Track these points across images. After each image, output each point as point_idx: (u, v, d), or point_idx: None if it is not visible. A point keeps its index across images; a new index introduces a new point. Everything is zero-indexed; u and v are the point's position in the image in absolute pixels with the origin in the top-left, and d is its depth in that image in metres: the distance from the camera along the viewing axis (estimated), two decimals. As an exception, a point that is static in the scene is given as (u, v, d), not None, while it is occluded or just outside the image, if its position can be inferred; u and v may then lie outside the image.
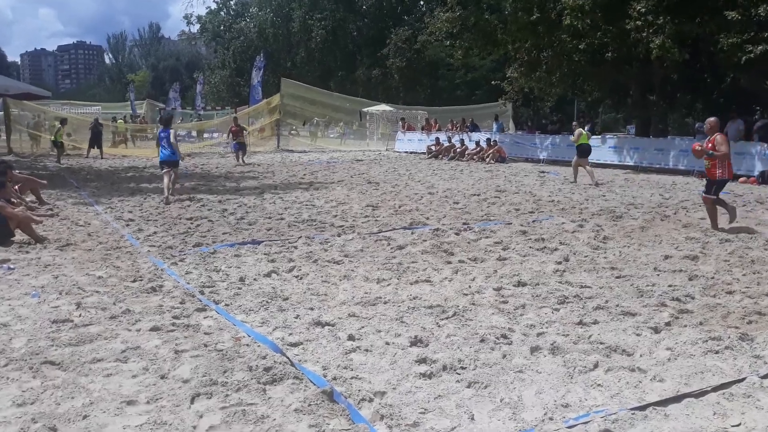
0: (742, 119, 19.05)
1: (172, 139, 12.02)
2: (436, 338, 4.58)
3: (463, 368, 4.05)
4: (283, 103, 32.33)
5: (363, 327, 4.83)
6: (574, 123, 20.94)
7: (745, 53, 17.02)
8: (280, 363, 4.08)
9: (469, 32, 24.73)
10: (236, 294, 5.70)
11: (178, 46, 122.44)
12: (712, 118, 9.07)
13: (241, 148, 22.42)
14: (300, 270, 6.56)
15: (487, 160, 23.46)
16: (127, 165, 21.87)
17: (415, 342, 4.49)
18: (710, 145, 8.79)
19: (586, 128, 17.93)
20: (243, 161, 21.78)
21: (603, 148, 22.13)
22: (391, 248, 7.63)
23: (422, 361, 4.15)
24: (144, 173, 18.76)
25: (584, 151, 16.74)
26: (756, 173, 16.85)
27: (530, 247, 7.70)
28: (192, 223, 9.53)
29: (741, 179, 16.78)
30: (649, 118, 23.85)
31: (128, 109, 55.06)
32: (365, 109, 39.03)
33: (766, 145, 17.19)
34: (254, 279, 6.24)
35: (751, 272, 6.51)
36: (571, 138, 17.85)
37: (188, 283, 6.01)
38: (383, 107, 40.43)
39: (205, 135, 36.95)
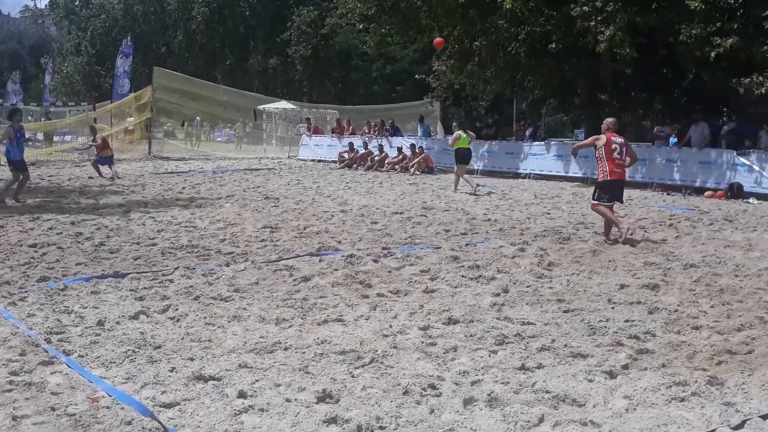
0: (707, 123, 20.18)
1: None
2: (349, 392, 4.57)
3: (382, 428, 4.05)
4: (156, 98, 31.84)
5: (257, 380, 4.77)
6: (454, 124, 21.94)
7: (713, 47, 17.96)
8: (150, 430, 3.96)
9: (387, 15, 25.21)
10: (93, 342, 5.52)
11: (20, 26, 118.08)
12: (609, 119, 10.78)
13: (107, 162, 20.98)
14: (177, 310, 6.45)
15: (412, 170, 23.85)
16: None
17: (324, 397, 4.47)
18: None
19: (465, 132, 18.97)
20: (114, 178, 20.19)
21: (547, 157, 22.97)
22: (294, 280, 7.62)
23: (332, 421, 4.13)
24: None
25: (463, 156, 18.20)
26: (724, 186, 17.82)
27: (463, 276, 7.85)
28: (36, 251, 9.21)
29: (707, 193, 17.73)
30: (600, 121, 24.89)
31: None
32: (261, 107, 38.92)
33: (734, 153, 18.20)
34: (117, 322, 6.07)
35: (720, 303, 6.86)
36: (449, 141, 19.50)
37: (30, 329, 5.79)
38: (284, 104, 40.49)
39: (55, 138, 35.62)
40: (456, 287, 7.39)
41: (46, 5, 70.09)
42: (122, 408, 4.27)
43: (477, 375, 4.89)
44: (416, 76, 31.17)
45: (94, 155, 22.09)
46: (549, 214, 13.62)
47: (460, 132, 18.69)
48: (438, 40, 21.12)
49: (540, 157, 23.09)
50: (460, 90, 29.74)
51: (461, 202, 15.38)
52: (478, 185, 17.71)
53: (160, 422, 4.08)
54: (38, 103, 45.14)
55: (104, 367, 4.98)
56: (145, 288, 7.24)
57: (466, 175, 18.13)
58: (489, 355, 5.30)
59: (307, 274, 7.84)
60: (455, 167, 18.66)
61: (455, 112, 45.91)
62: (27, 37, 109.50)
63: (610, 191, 10.34)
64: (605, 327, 6.01)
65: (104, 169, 20.92)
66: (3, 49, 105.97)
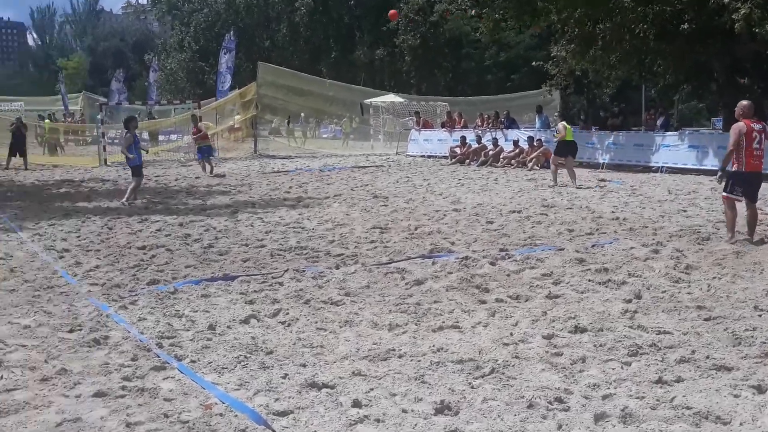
0: None
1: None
2: (469, 404, 4.55)
3: (506, 443, 4.02)
4: (261, 95, 32.62)
5: (372, 389, 4.81)
6: (555, 115, 21.74)
7: None
8: (264, 438, 4.04)
9: (501, -1, 24.95)
10: (205, 347, 5.71)
11: (122, 22, 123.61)
12: (743, 102, 10.11)
13: (206, 154, 22.65)
14: (287, 314, 6.58)
15: (530, 165, 23.55)
16: (59, 178, 22.16)
17: (442, 409, 4.47)
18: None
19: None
20: (211, 171, 22.07)
21: (681, 148, 22.18)
22: (407, 284, 7.65)
23: (452, 434, 4.13)
24: (81, 188, 18.98)
25: (569, 148, 18.41)
26: None
27: (590, 281, 7.68)
28: (145, 254, 9.58)
29: None
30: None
31: (59, 105, 55.70)
32: (368, 101, 39.29)
33: None
34: (228, 327, 6.25)
35: None
36: (555, 135, 19.56)
37: (142, 333, 6.03)
38: (391, 98, 40.69)
39: (161, 138, 37.28)
40: (582, 292, 7.25)
41: (148, 1, 72.78)
42: (235, 415, 4.40)
43: (608, 388, 4.78)
44: (533, 63, 30.73)
45: (196, 147, 23.51)
46: (685, 211, 13.17)
47: (564, 123, 19.00)
48: (392, 12, 22.17)
49: (673, 148, 22.32)
50: (581, 77, 29.20)
51: (586, 199, 15.07)
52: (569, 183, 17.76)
53: (273, 430, 4.18)
54: (143, 101, 47.05)
55: (216, 373, 5.15)
56: (255, 291, 7.42)
57: (560, 169, 18.30)
58: (621, 367, 5.17)
59: (419, 277, 7.86)
60: (553, 158, 18.95)
61: (576, 101, 45.04)
62: (129, 33, 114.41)
63: (744, 184, 9.90)
64: (752, 337, 5.76)
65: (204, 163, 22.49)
66: (106, 47, 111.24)
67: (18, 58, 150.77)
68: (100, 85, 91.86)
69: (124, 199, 15.25)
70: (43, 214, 13.61)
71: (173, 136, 36.45)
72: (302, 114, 41.54)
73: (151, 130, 35.36)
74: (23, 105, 48.27)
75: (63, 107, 54.47)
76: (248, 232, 11.28)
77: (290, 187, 18.21)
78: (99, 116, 29.23)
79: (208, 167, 22.32)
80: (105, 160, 27.30)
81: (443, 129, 31.12)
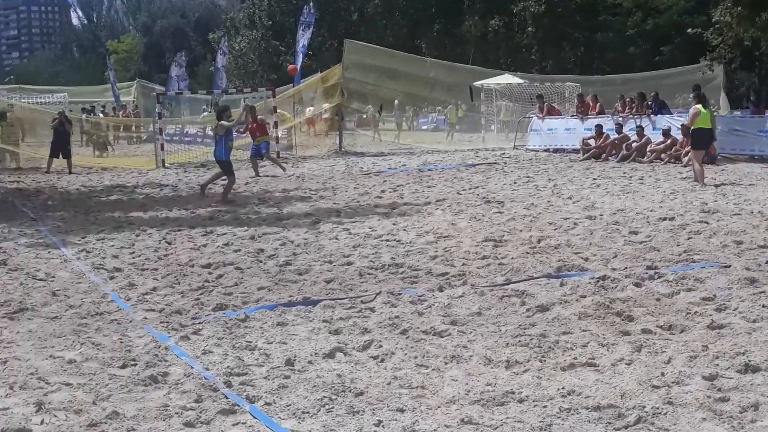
0: None
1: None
2: (608, 461, 4.46)
3: None
4: (347, 79, 32.68)
5: (486, 441, 4.75)
6: (691, 96, 20.70)
7: None
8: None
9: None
10: (282, 386, 5.74)
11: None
12: None
13: (261, 152, 23.46)
14: (380, 347, 6.59)
15: (685, 160, 23.00)
16: (109, 183, 22.68)
17: (574, 467, 4.39)
18: None
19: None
20: (256, 173, 22.79)
21: None
22: (528, 310, 7.57)
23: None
24: (135, 195, 19.41)
25: (701, 138, 18.00)
26: None
27: (763, 306, 7.42)
28: (210, 273, 9.72)
29: None
30: None
31: (109, 96, 57.32)
32: (478, 84, 39.04)
33: None
34: (309, 362, 6.28)
35: None
36: (684, 121, 19.38)
37: (207, 369, 6.10)
38: (507, 79, 40.31)
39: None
40: (754, 321, 7.00)
41: (213, -30, 74.63)
42: (319, 471, 4.42)
43: (789, 444, 4.61)
44: (689, 30, 30.03)
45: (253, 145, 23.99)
46: None
47: (698, 107, 18.13)
48: (291, 67, 24.48)
49: None
50: (751, 48, 28.34)
51: (758, 203, 14.59)
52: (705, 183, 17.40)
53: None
54: (207, 89, 48.01)
55: (296, 419, 5.16)
56: (341, 318, 7.44)
57: (697, 165, 17.96)
58: (806, 417, 4.97)
59: (544, 302, 7.77)
60: (698, 156, 18.34)
61: (745, 78, 43.79)
62: (191, 9, 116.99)
63: None
64: None
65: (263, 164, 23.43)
66: (165, 25, 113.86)
67: (61, 40, 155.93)
68: (157, 71, 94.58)
69: (219, 201, 16.61)
70: (90, 227, 13.89)
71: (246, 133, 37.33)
72: (396, 101, 41.28)
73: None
74: (66, 96, 48.86)
75: (113, 98, 56.02)
76: (332, 247, 11.29)
77: (383, 192, 18.29)
78: (157, 109, 29.38)
79: (272, 164, 23.68)
80: (163, 162, 27.74)
81: (573, 116, 30.72)
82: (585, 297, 7.94)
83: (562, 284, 8.47)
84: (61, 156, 26.47)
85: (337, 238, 12.06)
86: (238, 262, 10.28)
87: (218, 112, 17.94)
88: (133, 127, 43.33)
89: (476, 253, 10.47)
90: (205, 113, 38.57)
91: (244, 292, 8.64)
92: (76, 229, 13.62)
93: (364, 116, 41.07)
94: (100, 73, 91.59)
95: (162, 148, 28.46)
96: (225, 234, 12.66)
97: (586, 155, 26.23)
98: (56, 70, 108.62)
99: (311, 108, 34.64)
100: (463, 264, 9.78)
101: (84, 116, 41.93)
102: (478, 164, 25.22)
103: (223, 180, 17.76)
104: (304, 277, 9.34)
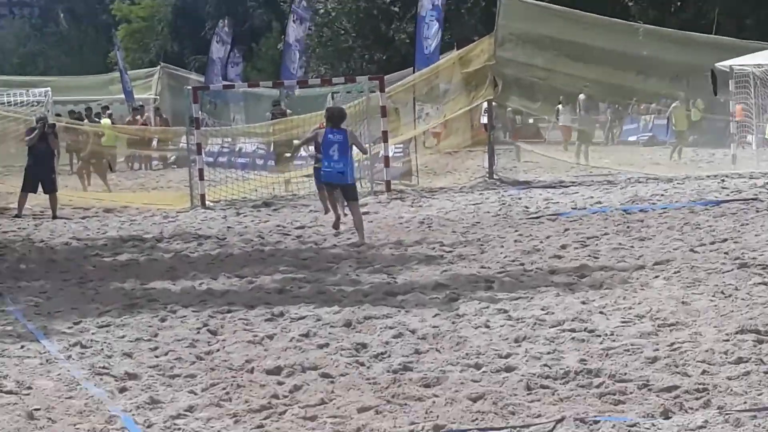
0: None
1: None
2: None
3: None
4: (502, 60, 22.85)
5: None
6: None
7: None
8: None
9: None
10: None
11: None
12: None
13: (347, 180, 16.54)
14: None
15: None
16: (116, 234, 17.32)
17: None
18: None
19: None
20: (335, 226, 16.43)
21: None
22: None
23: None
24: (158, 254, 15.31)
25: None
26: None
27: None
28: (281, 384, 7.52)
29: None
30: None
31: (116, 91, 44.96)
32: (724, 65, 25.68)
33: None
34: None
35: None
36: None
37: None
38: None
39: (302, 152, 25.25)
40: None
41: None
42: None
43: None
44: None
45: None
46: None
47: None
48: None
49: None
50: None
51: None
52: None
53: None
54: (273, 79, 36.57)
55: None
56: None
57: None
58: None
59: None
60: None
61: None
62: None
63: None
64: None
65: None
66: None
67: (40, 2, 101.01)
68: (192, 50, 65.34)
69: (359, 240, 14.66)
70: (87, 306, 11.00)
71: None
72: (582, 96, 29.26)
73: (283, 138, 25.02)
74: (50, 93, 32.61)
75: (124, 95, 42.18)
76: (480, 341, 8.57)
77: (563, 248, 14.08)
78: (192, 112, 21.49)
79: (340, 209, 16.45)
80: (201, 198, 20.26)
81: None
82: None
83: None
84: (40, 190, 19.80)
85: (487, 327, 9.24)
86: (325, 366, 7.99)
87: (337, 116, 15.03)
88: (155, 142, 32.75)
89: (726, 353, 7.87)
90: (275, 117, 28.13)
91: (337, 415, 6.74)
92: (66, 310, 10.77)
93: (531, 121, 31.25)
94: (101, 54, 70.63)
95: (200, 176, 20.71)
96: (304, 318, 9.88)
97: None
98: (32, 49, 78.47)
99: (448, 104, 25.06)
100: (704, 372, 7.37)
101: (86, 124, 30.72)
102: (727, 201, 19.25)
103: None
104: (434, 391, 7.25)
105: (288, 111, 28.95)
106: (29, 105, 30.08)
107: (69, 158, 29.84)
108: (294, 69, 33.15)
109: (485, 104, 24.67)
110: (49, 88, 33.51)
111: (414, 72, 25.48)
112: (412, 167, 23.37)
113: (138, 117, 36.18)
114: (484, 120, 25.65)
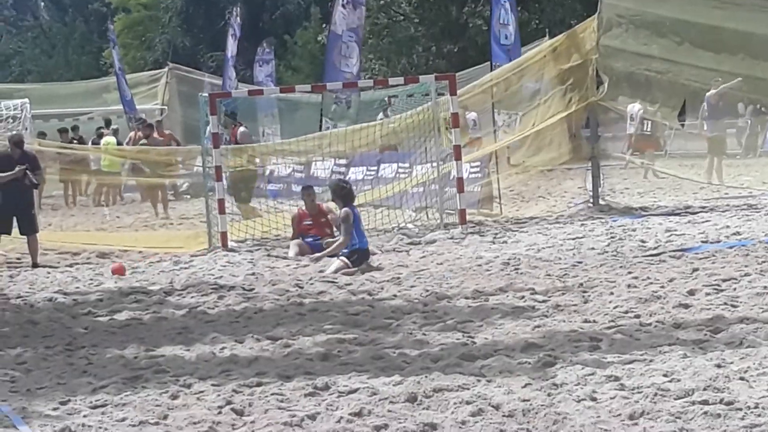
0: None
1: None
2: None
3: None
4: (607, 51, 19.25)
5: None
6: None
7: None
8: None
9: None
10: None
11: None
12: None
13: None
14: None
15: None
16: (113, 285, 15.05)
17: None
18: None
19: None
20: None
21: None
22: None
23: None
24: (167, 311, 13.24)
25: None
26: None
27: None
28: None
29: None
30: None
31: (112, 100, 38.25)
32: None
33: None
34: None
35: None
36: None
37: None
38: None
39: (357, 173, 22.06)
40: None
41: None
42: None
43: None
44: None
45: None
46: None
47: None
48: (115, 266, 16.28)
49: None
50: None
51: None
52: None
53: None
54: (312, 80, 32.72)
55: None
56: None
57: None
58: None
59: None
60: None
61: None
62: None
63: None
64: None
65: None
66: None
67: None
68: (208, 47, 57.20)
69: None
70: (77, 379, 9.45)
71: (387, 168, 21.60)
72: (710, 93, 22.49)
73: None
74: (28, 105, 28.29)
75: (124, 107, 35.05)
76: (583, 418, 7.24)
77: (690, 293, 12.09)
78: (210, 126, 17.54)
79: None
80: (223, 236, 17.12)
81: None
82: None
83: None
84: (16, 230, 16.77)
85: (593, 399, 7.77)
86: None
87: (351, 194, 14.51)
88: (161, 167, 25.96)
89: None
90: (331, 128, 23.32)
91: None
92: (50, 386, 9.20)
93: (646, 129, 24.74)
94: (92, 53, 61.29)
95: (221, 209, 17.30)
96: (355, 391, 8.41)
97: None
98: (4, 49, 68.30)
99: (539, 108, 20.69)
100: None
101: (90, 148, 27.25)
102: None
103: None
104: None
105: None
106: (3, 120, 25.60)
107: (64, 189, 26.48)
108: (350, 66, 26.66)
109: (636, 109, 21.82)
110: (26, 99, 29.09)
111: (492, 69, 21.59)
112: (493, 191, 19.72)
113: (139, 131, 27.27)
114: (631, 130, 22.76)
